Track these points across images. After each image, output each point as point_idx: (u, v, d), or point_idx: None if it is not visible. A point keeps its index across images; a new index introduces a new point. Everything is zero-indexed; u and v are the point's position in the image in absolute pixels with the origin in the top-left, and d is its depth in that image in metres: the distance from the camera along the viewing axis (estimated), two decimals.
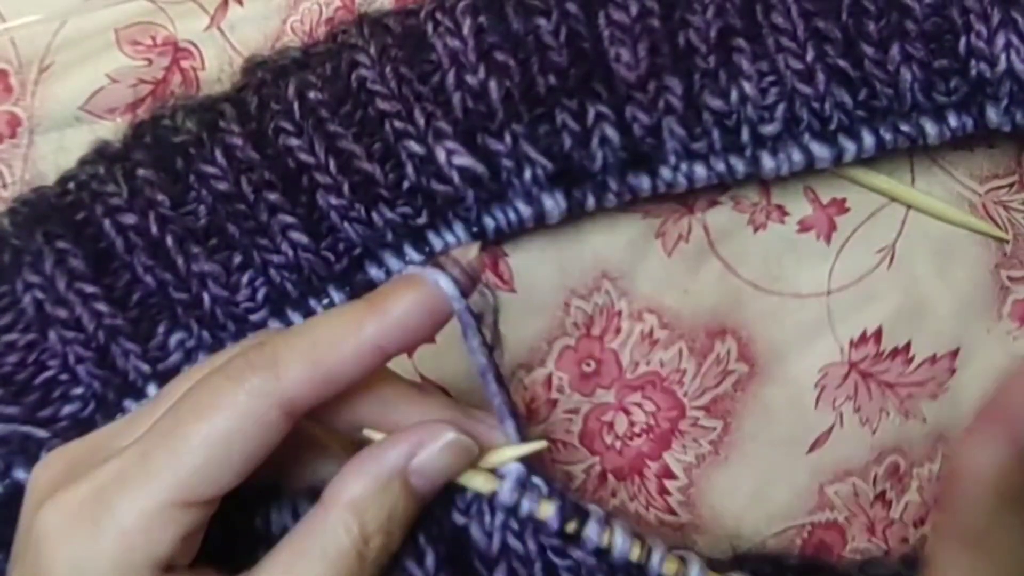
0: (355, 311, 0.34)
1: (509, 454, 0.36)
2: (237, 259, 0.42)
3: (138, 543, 0.32)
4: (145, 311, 0.42)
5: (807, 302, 0.47)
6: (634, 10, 0.42)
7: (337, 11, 0.46)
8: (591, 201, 0.43)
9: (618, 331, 0.46)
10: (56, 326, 0.41)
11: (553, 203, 0.43)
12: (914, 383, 0.47)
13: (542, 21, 0.42)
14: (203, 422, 0.32)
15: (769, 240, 0.47)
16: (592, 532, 0.36)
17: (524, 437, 0.36)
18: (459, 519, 0.36)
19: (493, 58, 0.42)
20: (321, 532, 0.33)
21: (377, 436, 0.35)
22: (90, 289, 0.41)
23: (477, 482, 0.36)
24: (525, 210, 0.43)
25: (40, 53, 0.45)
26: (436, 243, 0.42)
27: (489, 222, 0.43)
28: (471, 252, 0.35)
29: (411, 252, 0.42)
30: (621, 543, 0.36)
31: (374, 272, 0.43)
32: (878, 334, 0.47)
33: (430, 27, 0.42)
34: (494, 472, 0.36)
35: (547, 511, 0.36)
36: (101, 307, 0.41)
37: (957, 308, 0.47)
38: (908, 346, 0.47)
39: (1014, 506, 0.27)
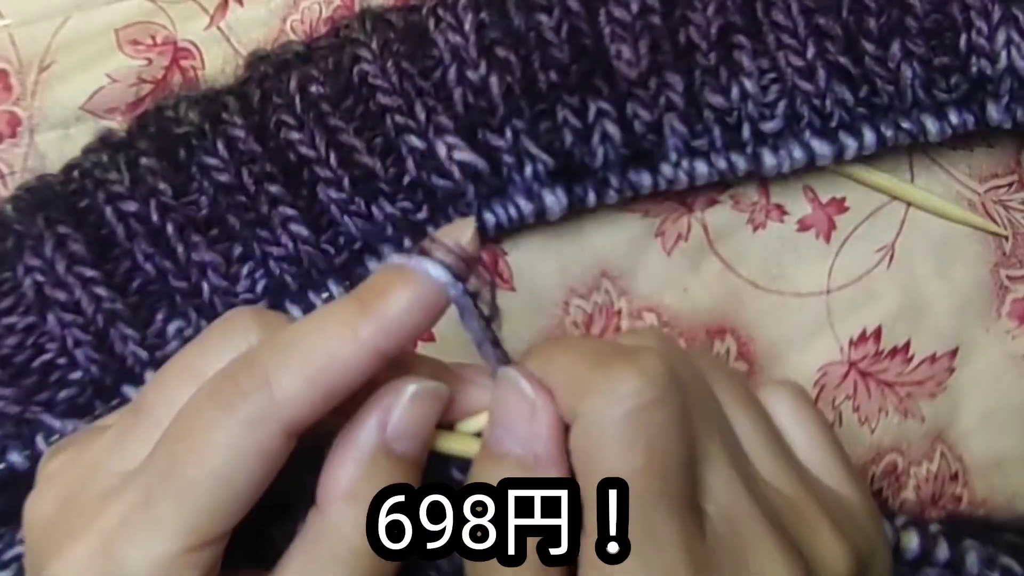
0: (347, 313, 0.32)
1: None
2: (237, 250, 0.42)
3: None
4: (144, 298, 0.42)
5: (807, 301, 0.47)
6: (635, 7, 0.42)
7: (337, 10, 0.46)
8: (592, 197, 0.43)
9: (618, 330, 0.46)
10: (55, 308, 0.41)
11: (554, 199, 0.43)
12: (913, 382, 0.47)
13: (543, 17, 0.42)
14: (204, 463, 0.31)
15: (769, 239, 0.47)
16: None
17: None
18: None
19: (494, 54, 0.42)
20: (325, 534, 0.32)
21: None
22: (89, 273, 0.41)
23: (457, 446, 0.34)
24: (526, 206, 0.43)
25: (40, 53, 0.45)
26: None
27: (489, 218, 0.43)
28: (466, 232, 0.33)
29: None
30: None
31: (374, 266, 0.43)
32: (877, 333, 0.47)
33: (432, 22, 0.42)
34: (480, 435, 0.34)
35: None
36: (100, 291, 0.41)
37: (956, 307, 0.47)
38: (907, 345, 0.47)
39: None
